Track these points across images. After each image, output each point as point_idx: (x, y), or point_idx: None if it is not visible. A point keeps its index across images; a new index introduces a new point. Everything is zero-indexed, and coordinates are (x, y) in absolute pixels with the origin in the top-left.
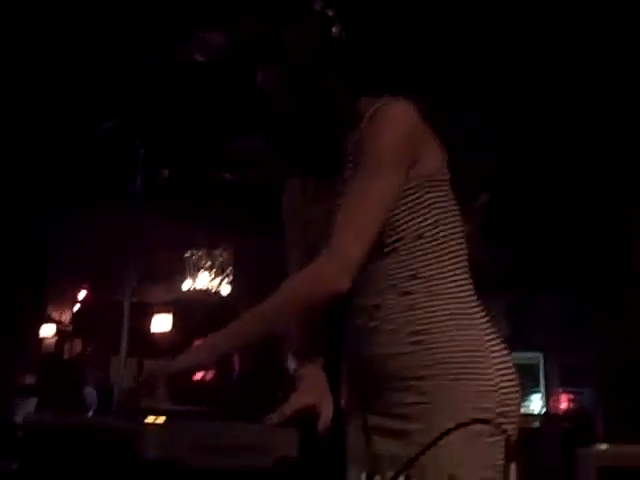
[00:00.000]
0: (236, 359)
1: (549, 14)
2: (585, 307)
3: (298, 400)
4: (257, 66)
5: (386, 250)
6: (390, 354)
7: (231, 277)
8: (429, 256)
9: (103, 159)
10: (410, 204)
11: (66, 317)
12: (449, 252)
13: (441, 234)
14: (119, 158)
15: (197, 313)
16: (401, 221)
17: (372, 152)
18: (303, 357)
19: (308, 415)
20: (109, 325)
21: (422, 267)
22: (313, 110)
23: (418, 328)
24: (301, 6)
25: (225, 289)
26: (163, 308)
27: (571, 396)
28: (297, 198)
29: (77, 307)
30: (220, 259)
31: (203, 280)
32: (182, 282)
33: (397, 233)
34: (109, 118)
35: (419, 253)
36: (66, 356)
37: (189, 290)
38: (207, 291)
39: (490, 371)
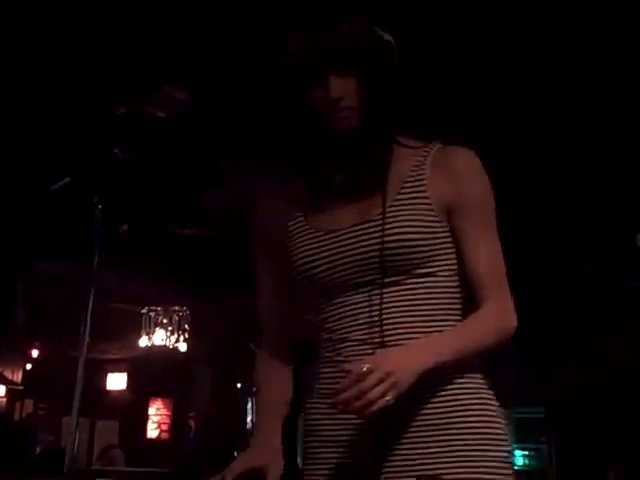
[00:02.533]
0: (192, 417)
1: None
2: (540, 365)
3: (242, 462)
4: (334, 72)
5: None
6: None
7: (187, 334)
8: None
9: (60, 213)
10: None
11: (17, 376)
12: None
13: None
14: (76, 213)
15: (153, 371)
16: None
17: (489, 209)
18: (268, 403)
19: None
20: (62, 384)
21: None
22: (382, 120)
23: None
24: (362, 21)
25: (182, 346)
26: (118, 366)
27: (525, 452)
28: (279, 218)
29: (29, 366)
30: (177, 316)
31: (159, 337)
32: (138, 339)
33: None
34: (67, 173)
35: None
36: (17, 417)
37: (145, 347)
38: (163, 348)
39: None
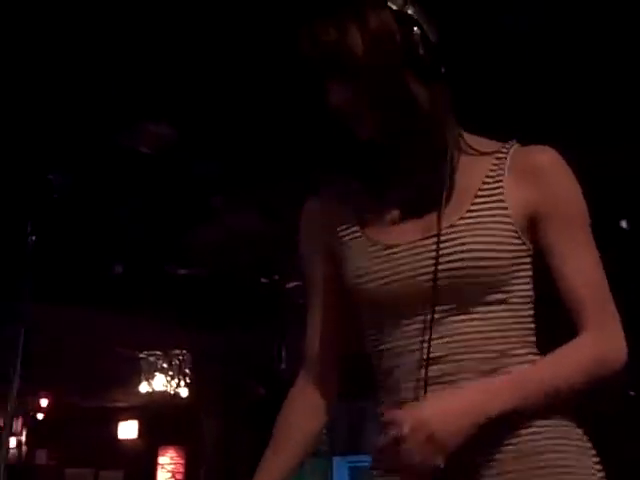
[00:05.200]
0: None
1: None
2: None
3: None
4: (327, 85)
5: None
6: None
7: (189, 379)
8: None
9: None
10: None
11: (24, 427)
12: None
13: None
14: (70, 257)
15: (158, 418)
16: None
17: (582, 214)
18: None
19: None
20: (68, 435)
21: None
22: (406, 126)
23: None
24: (367, 3)
25: (183, 391)
26: (129, 414)
27: None
28: (333, 226)
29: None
30: (177, 360)
31: (160, 382)
32: (138, 385)
33: None
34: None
35: None
36: (23, 467)
37: (146, 393)
38: (164, 394)
39: None
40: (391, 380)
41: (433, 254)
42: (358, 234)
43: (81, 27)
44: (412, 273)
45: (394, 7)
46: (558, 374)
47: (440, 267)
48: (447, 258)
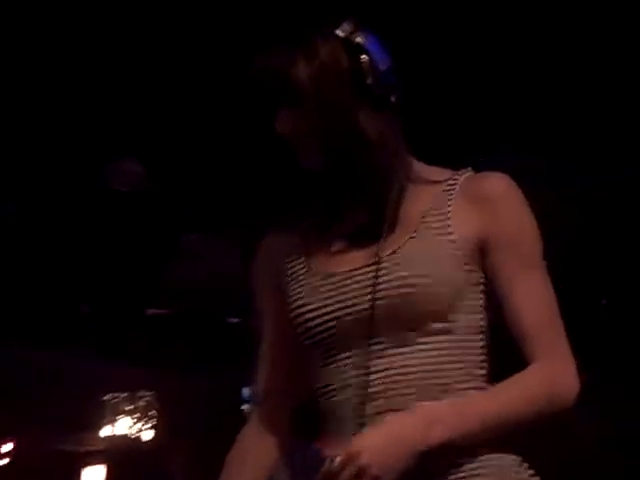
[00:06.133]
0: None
1: None
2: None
3: None
4: (274, 112)
5: None
6: None
7: (154, 422)
8: None
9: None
10: None
11: None
12: None
13: None
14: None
15: (122, 462)
16: None
17: (532, 242)
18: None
19: None
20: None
21: None
22: (351, 156)
23: None
24: (316, 32)
25: (149, 434)
26: (96, 459)
27: None
28: (281, 260)
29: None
30: (143, 402)
31: (123, 425)
32: (101, 428)
33: None
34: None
35: None
36: None
37: (107, 437)
38: (128, 437)
39: None
40: (331, 415)
41: (372, 282)
42: (302, 266)
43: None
44: (350, 302)
45: (343, 36)
46: (505, 407)
47: (378, 295)
48: (385, 285)
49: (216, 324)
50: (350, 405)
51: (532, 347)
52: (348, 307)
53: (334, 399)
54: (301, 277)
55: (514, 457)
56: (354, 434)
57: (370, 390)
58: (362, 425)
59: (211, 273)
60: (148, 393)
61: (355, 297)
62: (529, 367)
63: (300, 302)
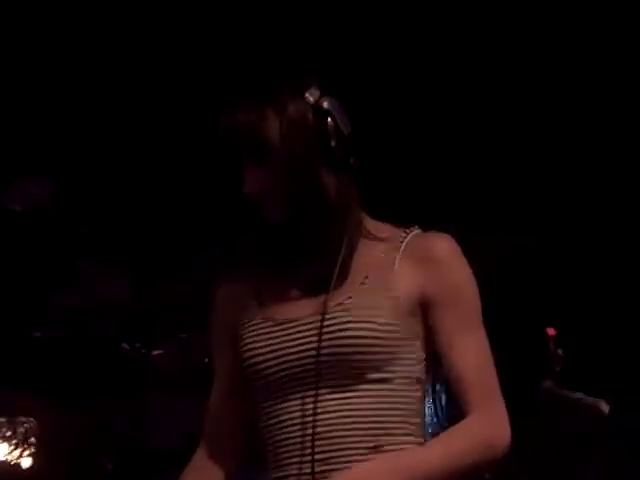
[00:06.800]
0: None
1: None
2: None
3: None
4: (242, 168)
5: None
6: None
7: (34, 448)
8: None
9: None
10: None
11: None
12: None
13: None
14: None
15: None
16: None
17: (472, 301)
18: None
19: None
20: None
21: None
22: (310, 212)
23: None
24: (284, 90)
25: (26, 462)
26: None
27: None
28: (236, 307)
29: None
30: (23, 428)
31: (1, 452)
32: None
33: None
34: None
35: None
36: None
37: None
38: (5, 463)
39: None
40: (278, 456)
41: (318, 331)
42: (254, 313)
43: None
44: (296, 349)
45: (311, 99)
46: (447, 457)
47: (323, 344)
48: (330, 335)
49: (103, 351)
50: (294, 446)
51: (469, 400)
52: (295, 353)
53: (279, 438)
54: (254, 324)
55: None
56: (298, 475)
57: (315, 430)
58: (304, 465)
59: (101, 299)
60: (29, 419)
61: (302, 344)
62: (465, 419)
63: (251, 346)
